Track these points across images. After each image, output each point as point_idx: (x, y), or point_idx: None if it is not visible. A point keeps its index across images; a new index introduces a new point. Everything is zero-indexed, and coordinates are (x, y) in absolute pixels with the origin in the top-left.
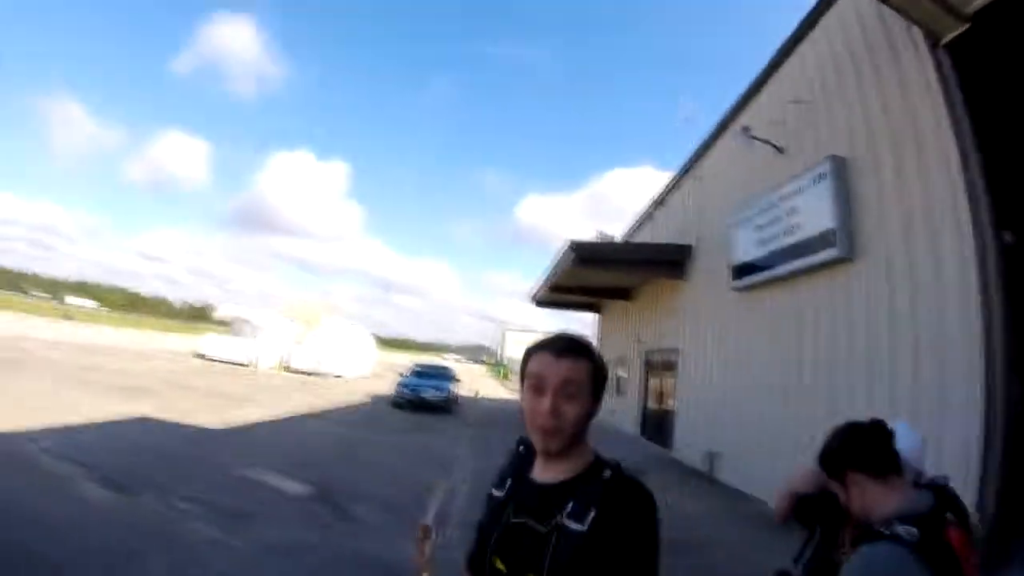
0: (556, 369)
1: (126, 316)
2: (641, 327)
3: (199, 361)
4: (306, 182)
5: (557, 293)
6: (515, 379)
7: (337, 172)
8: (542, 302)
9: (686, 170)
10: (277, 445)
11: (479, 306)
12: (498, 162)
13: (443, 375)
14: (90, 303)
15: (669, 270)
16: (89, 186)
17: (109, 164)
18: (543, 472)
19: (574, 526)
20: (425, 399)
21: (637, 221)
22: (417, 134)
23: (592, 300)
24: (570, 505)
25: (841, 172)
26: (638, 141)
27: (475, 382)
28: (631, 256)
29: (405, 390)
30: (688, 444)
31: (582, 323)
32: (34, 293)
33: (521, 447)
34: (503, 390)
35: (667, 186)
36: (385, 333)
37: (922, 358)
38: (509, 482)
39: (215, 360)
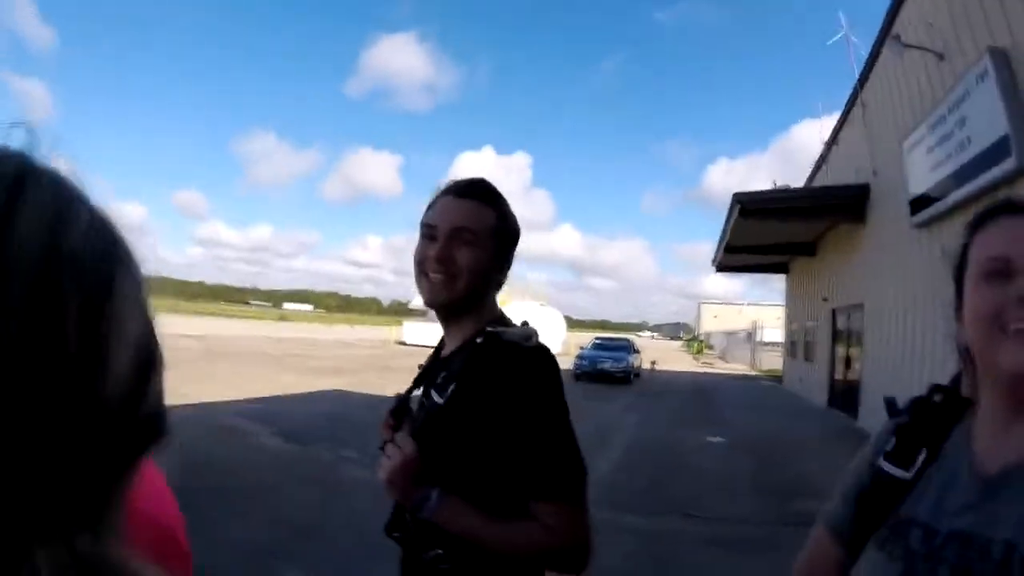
0: (453, 210)
1: (339, 315)
2: (825, 284)
3: (400, 347)
4: (492, 177)
5: (736, 255)
6: (709, 353)
7: (520, 164)
8: (723, 266)
9: (852, 99)
10: None
11: (676, 282)
12: (681, 131)
13: (622, 347)
14: (306, 307)
15: (846, 215)
16: (295, 207)
17: (309, 186)
18: (447, 344)
19: (435, 398)
20: (603, 370)
21: (814, 167)
22: (594, 115)
23: (776, 260)
24: (440, 376)
25: (1005, 66)
26: (826, 86)
27: (666, 357)
28: (799, 203)
29: (583, 362)
30: (873, 412)
31: (770, 288)
32: (255, 303)
33: None
34: (691, 363)
35: (837, 122)
36: (581, 316)
37: None
38: (431, 357)
39: (415, 345)
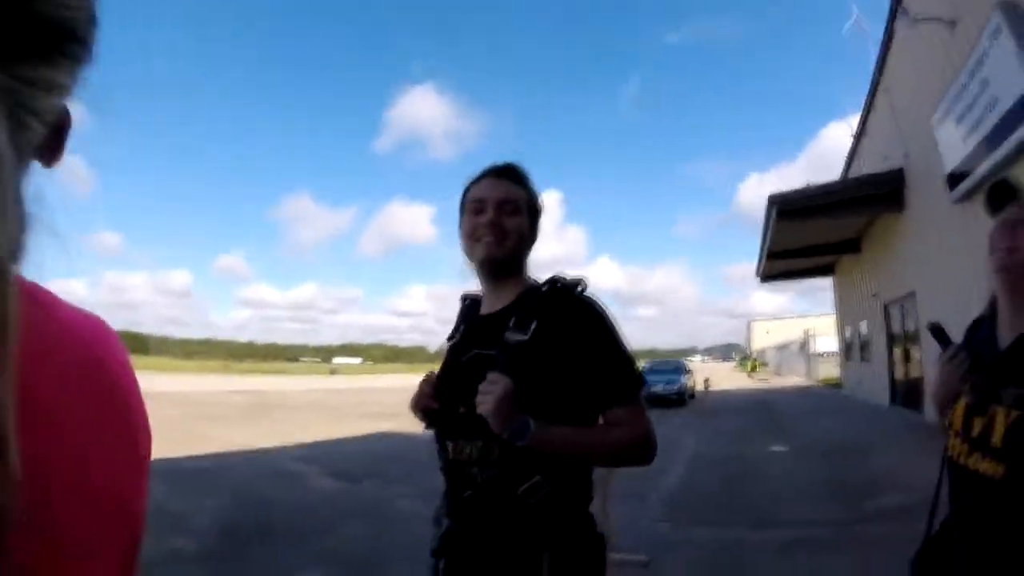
0: (496, 188)
1: (387, 365)
2: (875, 279)
3: None
4: None
5: (780, 261)
6: (764, 370)
7: (551, 201)
8: (768, 276)
9: (874, 86)
10: None
11: (723, 304)
12: (708, 151)
13: (674, 369)
14: (355, 360)
15: (884, 204)
16: (336, 264)
17: (348, 242)
18: (489, 306)
19: (517, 337)
20: (656, 394)
21: (846, 162)
22: (619, 145)
23: (821, 261)
24: (512, 321)
25: (1018, 16)
26: (849, 83)
27: (719, 377)
28: (836, 197)
29: None
30: None
31: (818, 300)
32: (304, 360)
33: (466, 300)
34: (746, 381)
35: (863, 112)
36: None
37: None
38: (461, 328)
39: None
